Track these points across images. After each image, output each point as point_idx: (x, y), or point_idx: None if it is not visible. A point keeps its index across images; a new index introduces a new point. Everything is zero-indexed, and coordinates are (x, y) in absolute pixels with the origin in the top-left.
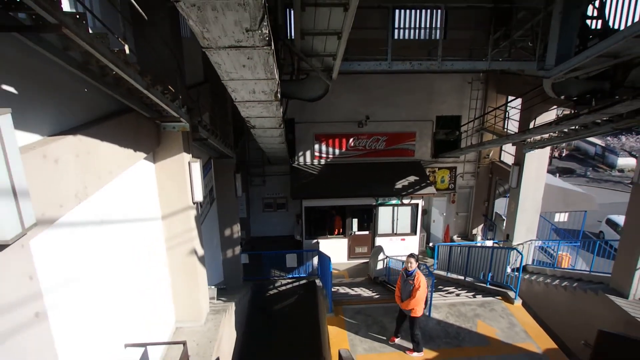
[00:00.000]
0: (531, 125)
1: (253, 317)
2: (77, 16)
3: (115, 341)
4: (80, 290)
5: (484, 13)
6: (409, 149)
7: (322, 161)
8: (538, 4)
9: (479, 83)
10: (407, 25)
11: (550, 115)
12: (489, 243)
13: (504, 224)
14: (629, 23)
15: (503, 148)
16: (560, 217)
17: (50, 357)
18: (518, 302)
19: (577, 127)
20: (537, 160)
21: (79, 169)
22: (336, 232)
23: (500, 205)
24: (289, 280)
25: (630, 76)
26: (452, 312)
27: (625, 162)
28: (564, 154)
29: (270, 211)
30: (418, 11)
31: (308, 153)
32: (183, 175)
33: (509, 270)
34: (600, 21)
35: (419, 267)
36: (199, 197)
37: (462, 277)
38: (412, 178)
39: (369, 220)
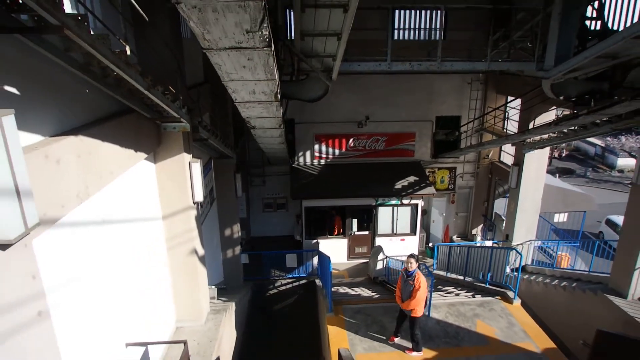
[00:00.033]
0: (531, 126)
1: (253, 317)
2: (79, 17)
3: (117, 340)
4: (81, 289)
5: (483, 14)
6: (409, 149)
7: (322, 161)
8: (537, 4)
9: (479, 83)
10: (406, 26)
11: (549, 115)
12: (489, 243)
13: (504, 224)
14: (628, 24)
15: (503, 148)
16: (560, 218)
17: (52, 355)
18: (517, 302)
19: (576, 127)
20: (537, 161)
21: (80, 169)
22: (336, 232)
23: (500, 206)
24: (289, 280)
25: (629, 77)
26: (452, 311)
27: (625, 162)
28: (563, 155)
29: (270, 211)
30: (418, 12)
31: (308, 153)
32: (183, 176)
33: (508, 270)
34: (599, 22)
35: (418, 267)
36: (200, 197)
37: (462, 277)
38: (411, 178)
39: (368, 220)
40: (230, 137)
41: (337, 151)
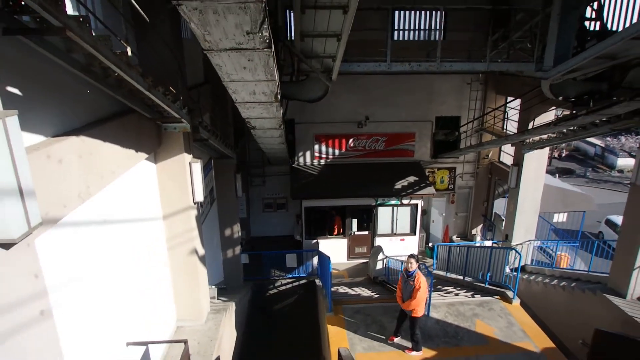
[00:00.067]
0: (530, 126)
1: (253, 317)
2: (81, 19)
3: (117, 339)
4: (82, 289)
5: (482, 15)
6: (409, 149)
7: (322, 161)
8: (536, 5)
9: (478, 84)
10: (406, 27)
11: (549, 116)
12: (488, 243)
13: (503, 224)
14: (627, 24)
15: (502, 149)
16: (559, 218)
17: (55, 353)
18: (516, 301)
19: (575, 127)
20: (536, 161)
21: (82, 169)
22: (336, 232)
23: (500, 206)
24: (289, 280)
25: (628, 77)
26: (451, 311)
27: (625, 162)
28: (563, 155)
29: (270, 211)
30: (417, 13)
31: (308, 153)
32: (184, 176)
33: (507, 270)
34: (598, 23)
35: (418, 267)
36: (200, 197)
37: (461, 277)
38: (411, 178)
39: (368, 220)
40: (230, 138)
41: (337, 151)
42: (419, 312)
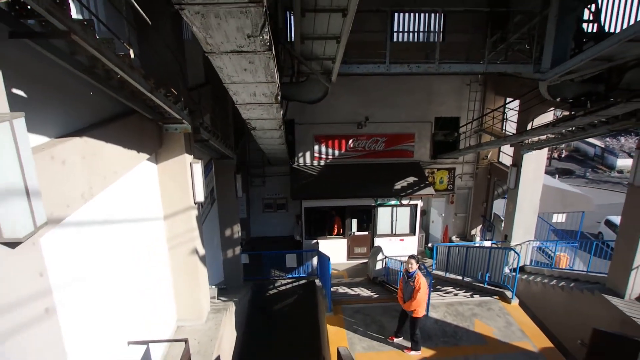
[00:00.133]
0: (529, 127)
1: (253, 317)
2: (85, 23)
3: (118, 338)
4: (84, 288)
5: (481, 17)
6: (408, 150)
7: (322, 162)
8: (534, 7)
9: (478, 85)
10: (405, 29)
11: (547, 116)
12: (487, 243)
13: (502, 225)
14: (624, 26)
15: (501, 149)
16: (558, 218)
17: (58, 351)
18: (515, 301)
19: (573, 128)
20: (535, 162)
21: (85, 170)
22: (335, 233)
23: (499, 206)
24: (289, 280)
25: (625, 79)
26: (450, 311)
27: (625, 163)
28: (563, 155)
29: (270, 212)
30: (416, 15)
31: (308, 154)
32: (185, 176)
33: (506, 270)
34: (595, 25)
35: (418, 267)
36: (201, 197)
37: (460, 277)
38: (411, 179)
39: (368, 220)
40: (230, 138)
41: (336, 152)
42: (420, 312)
